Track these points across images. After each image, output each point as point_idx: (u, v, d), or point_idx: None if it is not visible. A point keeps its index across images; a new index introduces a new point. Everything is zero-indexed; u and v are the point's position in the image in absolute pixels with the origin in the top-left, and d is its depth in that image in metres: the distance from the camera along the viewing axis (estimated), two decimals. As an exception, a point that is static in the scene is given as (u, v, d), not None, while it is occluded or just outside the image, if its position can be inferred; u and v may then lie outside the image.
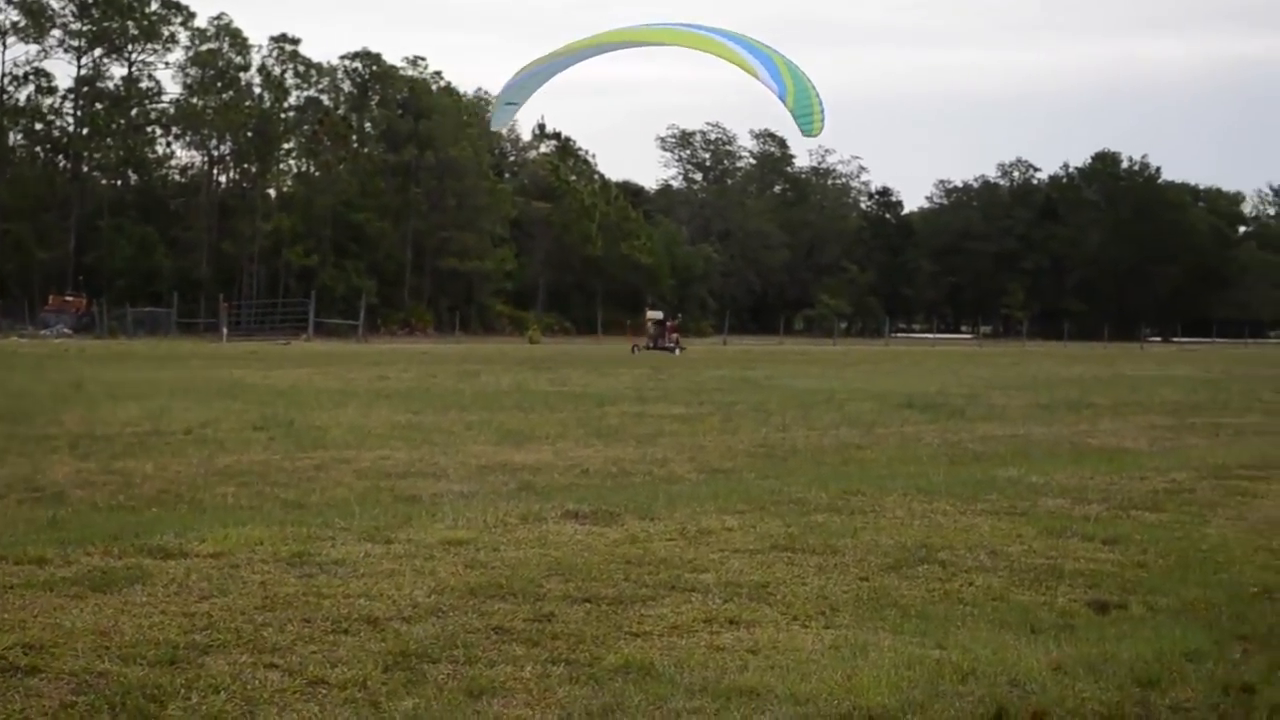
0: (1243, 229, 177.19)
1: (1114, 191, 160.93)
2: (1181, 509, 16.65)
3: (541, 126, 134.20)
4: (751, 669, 9.08)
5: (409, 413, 28.55)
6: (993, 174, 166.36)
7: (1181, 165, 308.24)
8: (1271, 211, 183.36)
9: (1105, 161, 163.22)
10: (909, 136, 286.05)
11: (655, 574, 11.87)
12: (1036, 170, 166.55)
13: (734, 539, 13.68)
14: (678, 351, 76.17)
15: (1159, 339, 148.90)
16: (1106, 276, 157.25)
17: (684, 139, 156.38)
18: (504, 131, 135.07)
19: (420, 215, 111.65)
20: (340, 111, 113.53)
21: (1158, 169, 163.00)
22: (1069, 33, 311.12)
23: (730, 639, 9.85)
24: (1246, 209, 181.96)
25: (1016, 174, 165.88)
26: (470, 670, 8.86)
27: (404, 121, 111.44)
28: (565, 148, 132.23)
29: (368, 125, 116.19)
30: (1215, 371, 60.64)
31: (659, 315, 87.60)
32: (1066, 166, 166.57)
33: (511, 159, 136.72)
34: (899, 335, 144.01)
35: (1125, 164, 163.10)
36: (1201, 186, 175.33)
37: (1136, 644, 9.85)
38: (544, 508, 15.17)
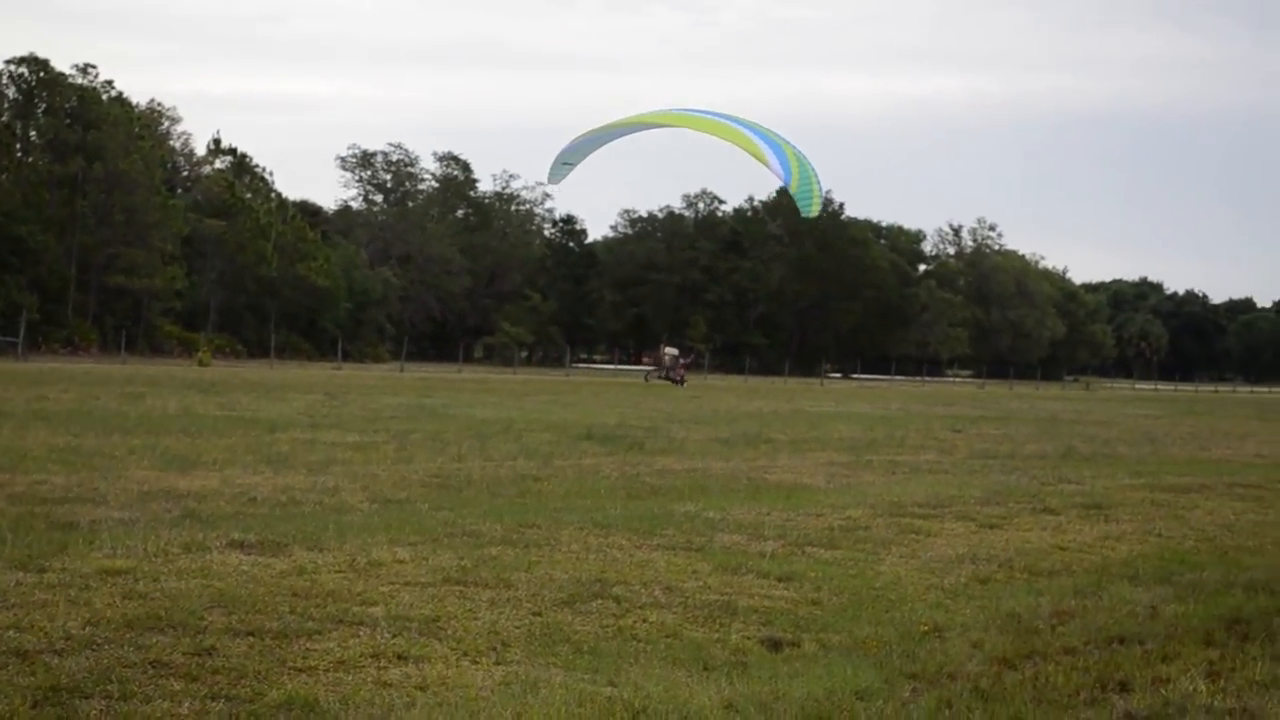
0: (923, 267, 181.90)
1: (798, 226, 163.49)
2: (856, 546, 17.05)
3: (217, 142, 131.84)
4: (419, 706, 9.06)
5: (68, 435, 27.80)
6: (678, 205, 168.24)
7: (864, 202, 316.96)
8: (951, 250, 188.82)
9: (790, 196, 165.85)
10: (594, 164, 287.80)
11: (322, 607, 11.77)
12: (721, 202, 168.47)
13: (405, 571, 13.63)
14: (684, 385, 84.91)
15: (839, 375, 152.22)
16: (789, 311, 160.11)
17: (364, 159, 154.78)
18: (177, 145, 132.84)
19: (87, 230, 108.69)
20: (4, 119, 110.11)
21: (841, 205, 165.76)
22: (755, 64, 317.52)
23: (398, 675, 9.83)
24: (927, 247, 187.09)
25: (701, 205, 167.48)
26: (125, 706, 8.70)
27: (72, 131, 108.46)
28: (241, 164, 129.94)
29: (33, 134, 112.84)
30: (893, 409, 62.13)
31: (675, 351, 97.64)
32: (751, 199, 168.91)
33: (185, 174, 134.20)
34: (580, 365, 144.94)
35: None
36: (884, 224, 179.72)
37: (808, 682, 10.06)
38: (208, 537, 14.96)
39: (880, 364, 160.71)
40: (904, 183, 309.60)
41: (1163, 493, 25.69)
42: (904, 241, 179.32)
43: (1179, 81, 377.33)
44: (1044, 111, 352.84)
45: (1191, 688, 10.59)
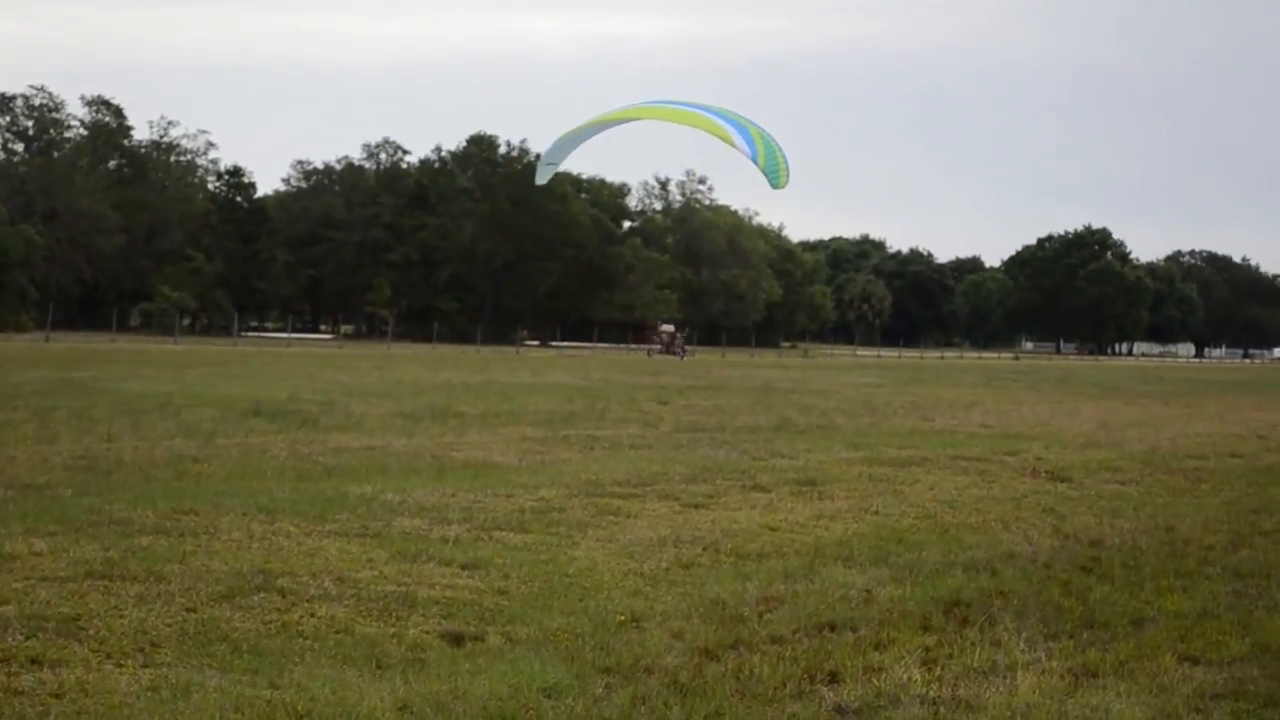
0: (628, 224, 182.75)
1: (491, 179, 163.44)
2: (549, 530, 17.14)
3: None
4: (54, 715, 8.90)
5: None
6: (357, 155, 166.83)
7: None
8: (658, 206, 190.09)
9: (481, 145, 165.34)
10: (263, 109, 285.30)
11: (-55, 607, 11.49)
12: (406, 152, 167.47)
13: (42, 565, 13.37)
14: (684, 358, 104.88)
15: (537, 343, 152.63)
16: (481, 272, 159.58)
17: (2, 103, 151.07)
18: None
19: None
20: None
21: (538, 155, 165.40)
22: (443, 2, 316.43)
23: (31, 681, 9.65)
24: (632, 202, 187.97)
25: (384, 156, 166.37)
26: None
27: None
28: None
29: None
30: (594, 379, 62.48)
31: (670, 328, 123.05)
32: (439, 149, 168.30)
33: None
34: (250, 334, 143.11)
35: (503, 148, 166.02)
36: (584, 176, 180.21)
37: (491, 679, 10.08)
38: None
39: (582, 330, 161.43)
40: (608, 131, 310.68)
41: (882, 467, 26.26)
42: (607, 196, 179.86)
43: (892, 26, 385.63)
44: (751, 54, 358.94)
45: (905, 676, 10.85)
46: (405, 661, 10.68)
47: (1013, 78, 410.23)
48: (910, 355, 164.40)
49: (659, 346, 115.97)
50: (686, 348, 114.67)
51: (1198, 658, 11.94)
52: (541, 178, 24.39)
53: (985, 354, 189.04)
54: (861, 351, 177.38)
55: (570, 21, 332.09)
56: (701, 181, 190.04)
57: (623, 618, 12.46)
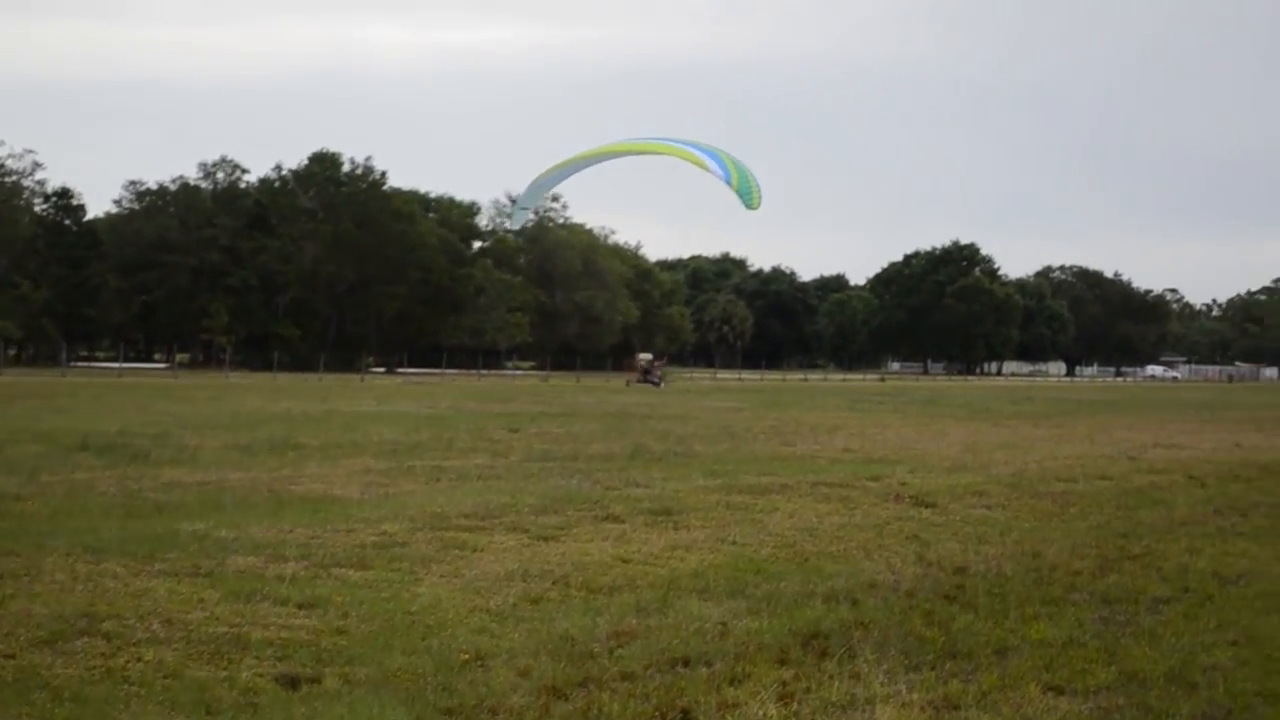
0: (478, 244, 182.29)
1: (334, 198, 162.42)
2: (391, 565, 17.09)
3: None
4: None
5: None
6: (193, 174, 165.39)
7: (409, 170, 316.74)
8: (509, 225, 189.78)
9: (324, 163, 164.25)
10: (93, 127, 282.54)
11: None
12: (245, 171, 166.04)
13: None
14: (664, 386, 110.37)
15: (383, 370, 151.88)
16: (324, 297, 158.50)
17: None
18: None
19: None
20: None
21: (384, 173, 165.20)
22: (282, 13, 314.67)
23: None
24: (482, 221, 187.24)
25: (221, 175, 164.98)
26: None
27: None
28: None
29: None
30: (442, 406, 62.35)
31: (649, 356, 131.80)
32: (279, 168, 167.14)
33: None
34: (80, 364, 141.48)
35: (347, 166, 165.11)
36: (432, 195, 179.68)
37: (328, 723, 10.03)
38: None
39: (430, 356, 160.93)
40: (454, 147, 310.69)
41: (740, 495, 26.36)
42: (456, 215, 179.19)
43: (750, 34, 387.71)
44: (605, 62, 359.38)
45: (761, 712, 10.91)
46: (237, 706, 10.62)
47: (876, 88, 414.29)
48: (772, 377, 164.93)
49: (638, 375, 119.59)
50: (664, 377, 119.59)
51: (1063, 687, 12.08)
52: (516, 222, 26.19)
53: (850, 375, 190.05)
54: (722, 374, 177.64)
55: (414, 31, 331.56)
56: (555, 199, 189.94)
57: (467, 656, 12.44)
